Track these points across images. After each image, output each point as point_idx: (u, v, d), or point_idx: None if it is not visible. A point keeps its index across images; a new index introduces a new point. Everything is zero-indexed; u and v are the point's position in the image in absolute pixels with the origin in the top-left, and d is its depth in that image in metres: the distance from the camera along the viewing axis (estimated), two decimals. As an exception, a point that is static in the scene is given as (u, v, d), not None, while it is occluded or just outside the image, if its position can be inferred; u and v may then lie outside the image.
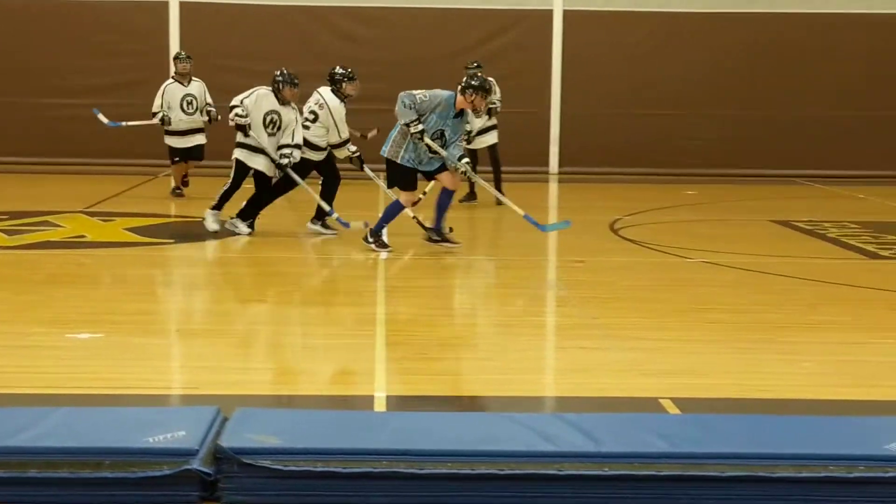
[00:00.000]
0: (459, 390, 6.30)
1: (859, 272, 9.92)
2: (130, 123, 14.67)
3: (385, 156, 10.42)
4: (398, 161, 10.35)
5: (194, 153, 14.42)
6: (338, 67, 11.44)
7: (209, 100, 14.44)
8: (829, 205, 15.11)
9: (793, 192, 16.53)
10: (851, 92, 18.39)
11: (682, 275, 9.78)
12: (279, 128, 11.12)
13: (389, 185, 10.93)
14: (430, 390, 6.07)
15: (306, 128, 11.27)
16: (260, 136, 11.11)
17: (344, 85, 11.33)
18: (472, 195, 14.07)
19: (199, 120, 14.34)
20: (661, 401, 5.78)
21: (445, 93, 10.31)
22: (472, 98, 10.19)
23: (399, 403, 5.82)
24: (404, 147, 10.31)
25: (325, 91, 11.41)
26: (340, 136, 11.38)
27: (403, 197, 10.50)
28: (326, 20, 18.24)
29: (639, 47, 18.36)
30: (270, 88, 11.17)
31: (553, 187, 17.51)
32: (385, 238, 10.55)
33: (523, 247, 10.97)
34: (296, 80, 11.19)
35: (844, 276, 9.61)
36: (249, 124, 11.04)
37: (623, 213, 13.45)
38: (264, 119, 11.13)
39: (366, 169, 11.61)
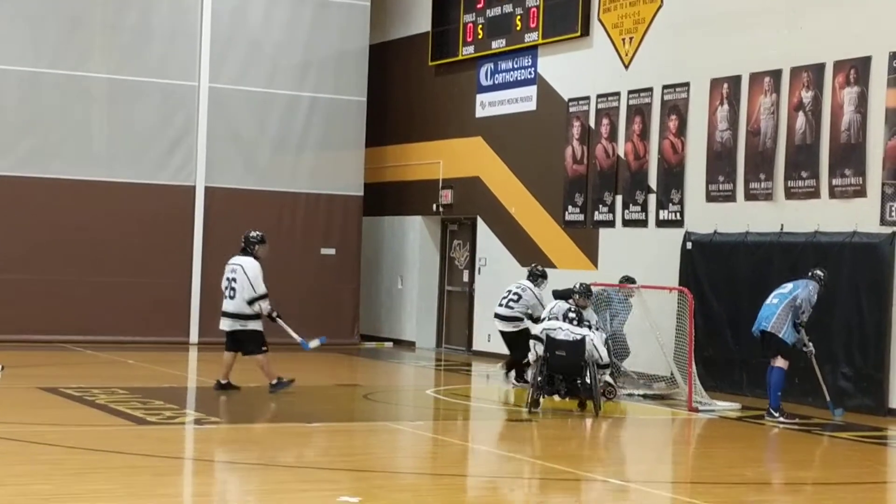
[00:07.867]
0: None
1: (128, 439, 9.87)
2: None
3: None
4: None
5: None
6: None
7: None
8: (99, 371, 15.02)
9: (63, 358, 16.23)
10: (116, 258, 18.39)
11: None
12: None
13: None
14: None
15: None
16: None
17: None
18: None
19: None
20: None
21: None
22: None
23: None
24: None
25: None
26: None
27: None
28: None
29: None
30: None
31: None
32: None
33: None
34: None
35: (113, 444, 9.49)
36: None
37: None
38: None
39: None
